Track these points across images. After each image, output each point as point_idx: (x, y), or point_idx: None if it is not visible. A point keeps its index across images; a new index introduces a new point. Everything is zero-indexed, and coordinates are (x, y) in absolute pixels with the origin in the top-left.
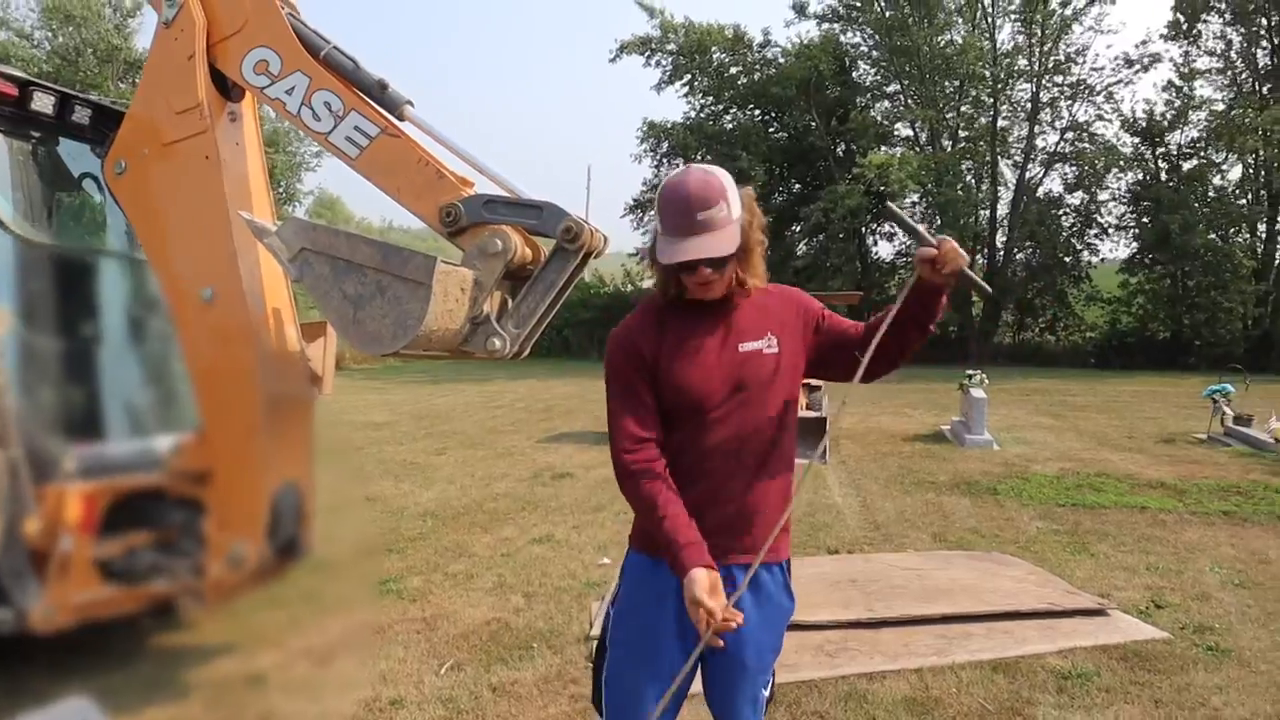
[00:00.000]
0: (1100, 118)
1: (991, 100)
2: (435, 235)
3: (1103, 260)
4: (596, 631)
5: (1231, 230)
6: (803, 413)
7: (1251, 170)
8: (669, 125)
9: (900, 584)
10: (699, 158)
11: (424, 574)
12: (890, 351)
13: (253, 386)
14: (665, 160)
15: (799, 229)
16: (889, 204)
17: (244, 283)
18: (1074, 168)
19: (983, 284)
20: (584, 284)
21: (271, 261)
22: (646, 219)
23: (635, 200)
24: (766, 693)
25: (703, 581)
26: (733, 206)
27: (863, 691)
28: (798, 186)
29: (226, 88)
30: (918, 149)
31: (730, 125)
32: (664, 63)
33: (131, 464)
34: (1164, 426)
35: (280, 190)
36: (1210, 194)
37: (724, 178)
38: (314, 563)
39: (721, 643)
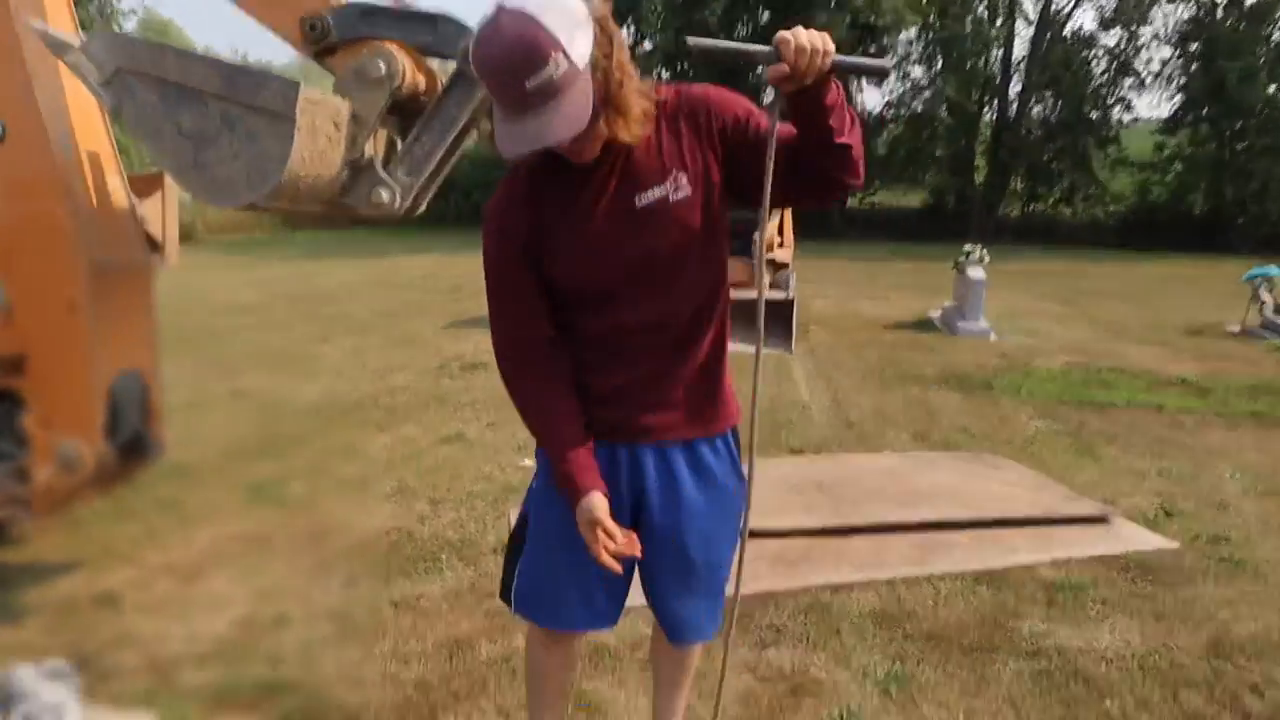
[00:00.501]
0: None
1: None
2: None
3: (1136, 120)
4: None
5: None
6: (769, 293)
7: None
8: None
9: (874, 488)
10: None
11: (309, 479)
12: (804, 177)
13: (67, 250)
14: None
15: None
16: (691, 40)
17: (43, 115)
18: None
19: (868, 63)
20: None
21: (82, 91)
22: None
23: None
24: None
25: (601, 504)
26: (573, 52)
27: (826, 604)
28: (767, 16)
29: None
30: None
31: None
32: None
33: None
34: (1193, 316)
35: (91, 8)
36: (1277, 37)
37: (547, 14)
38: (171, 467)
39: (619, 567)
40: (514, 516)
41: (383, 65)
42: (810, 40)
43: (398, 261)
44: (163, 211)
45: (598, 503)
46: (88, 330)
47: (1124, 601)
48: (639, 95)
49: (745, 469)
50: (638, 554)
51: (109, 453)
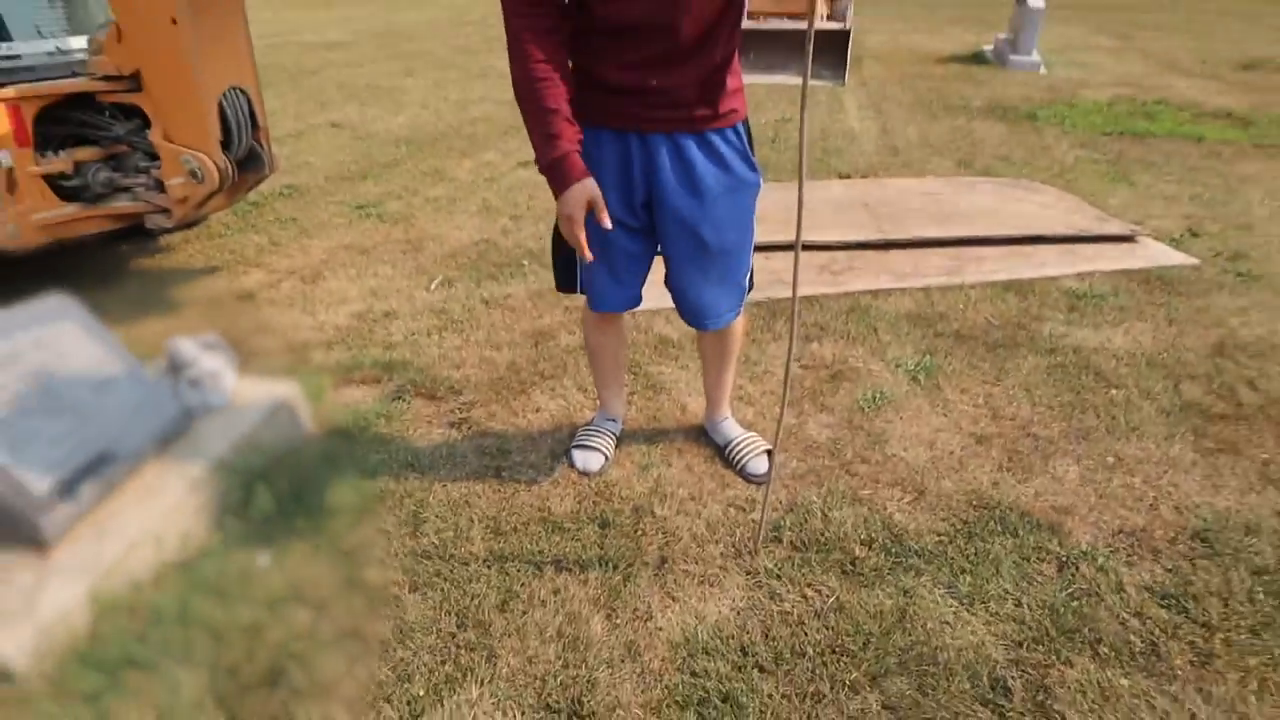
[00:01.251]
0: None
1: None
2: None
3: None
4: None
5: None
6: (822, 24)
7: None
8: None
9: (915, 207)
10: None
11: (403, 199)
12: None
13: None
14: None
15: None
16: None
17: None
18: None
19: None
20: None
21: None
22: None
23: None
24: (745, 284)
25: (579, 198)
26: None
27: (866, 306)
28: None
29: None
30: None
31: None
32: None
33: (47, 67)
34: (1246, 50)
35: None
36: None
37: None
38: (284, 187)
39: (590, 256)
40: None
41: None
42: None
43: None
44: None
45: (576, 196)
46: (190, 44)
47: (1140, 309)
48: None
49: (759, 168)
50: (608, 225)
51: (228, 164)
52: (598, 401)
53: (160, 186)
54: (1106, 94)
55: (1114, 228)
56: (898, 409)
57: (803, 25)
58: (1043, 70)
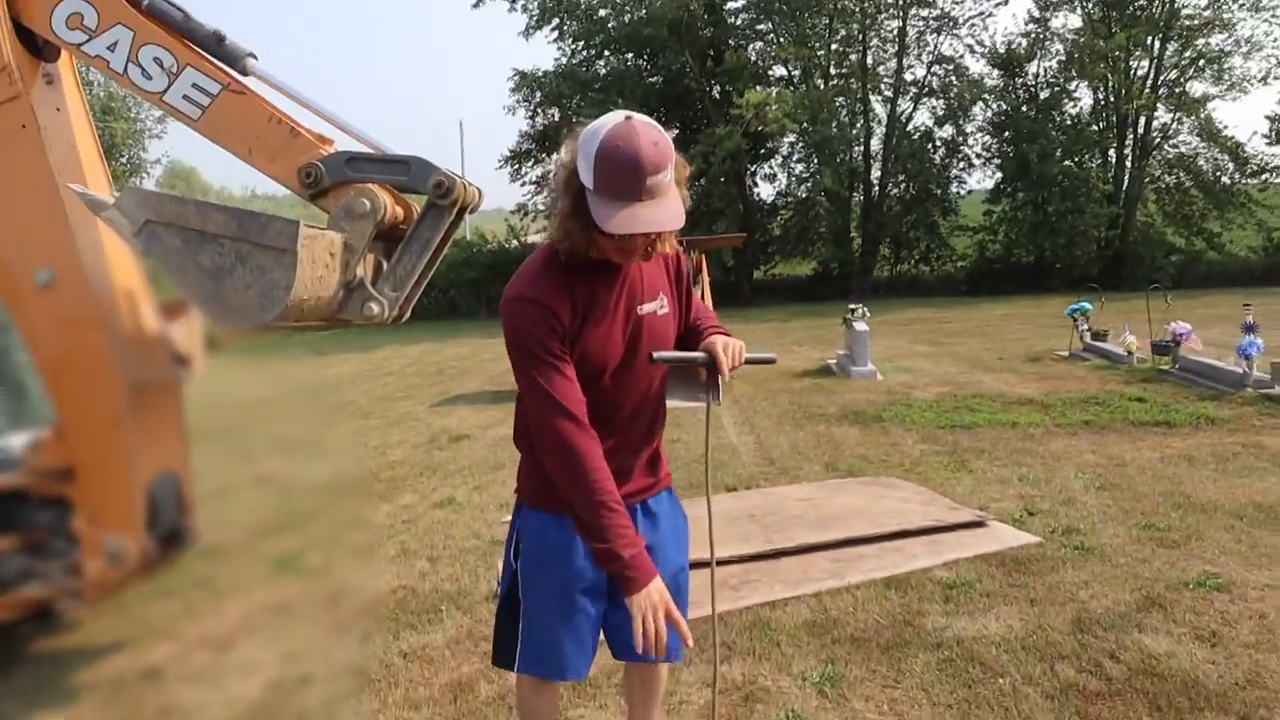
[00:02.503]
0: (970, 49)
1: (860, 35)
2: (302, 201)
3: (970, 192)
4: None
5: (1086, 156)
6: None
7: (1102, 97)
8: (540, 74)
9: (796, 514)
10: (574, 104)
11: (323, 548)
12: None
13: (109, 374)
14: (539, 110)
15: None
16: (656, 355)
17: (85, 262)
18: (942, 101)
19: (764, 355)
20: (466, 242)
21: (117, 238)
22: (524, 170)
23: (511, 151)
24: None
25: (663, 593)
26: (673, 164)
27: (766, 619)
28: (677, 130)
29: (38, 47)
30: (792, 88)
31: (604, 71)
32: (530, 6)
33: None
34: (1030, 346)
35: (123, 161)
36: (1066, 122)
37: (668, 136)
38: (205, 548)
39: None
40: (500, 567)
41: (367, 203)
42: (733, 352)
43: (390, 352)
44: (189, 331)
45: (660, 589)
46: (129, 440)
47: (1004, 592)
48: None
49: (685, 509)
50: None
51: (151, 545)
52: None
53: (74, 571)
54: (933, 393)
55: (966, 515)
56: None
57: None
58: (879, 377)
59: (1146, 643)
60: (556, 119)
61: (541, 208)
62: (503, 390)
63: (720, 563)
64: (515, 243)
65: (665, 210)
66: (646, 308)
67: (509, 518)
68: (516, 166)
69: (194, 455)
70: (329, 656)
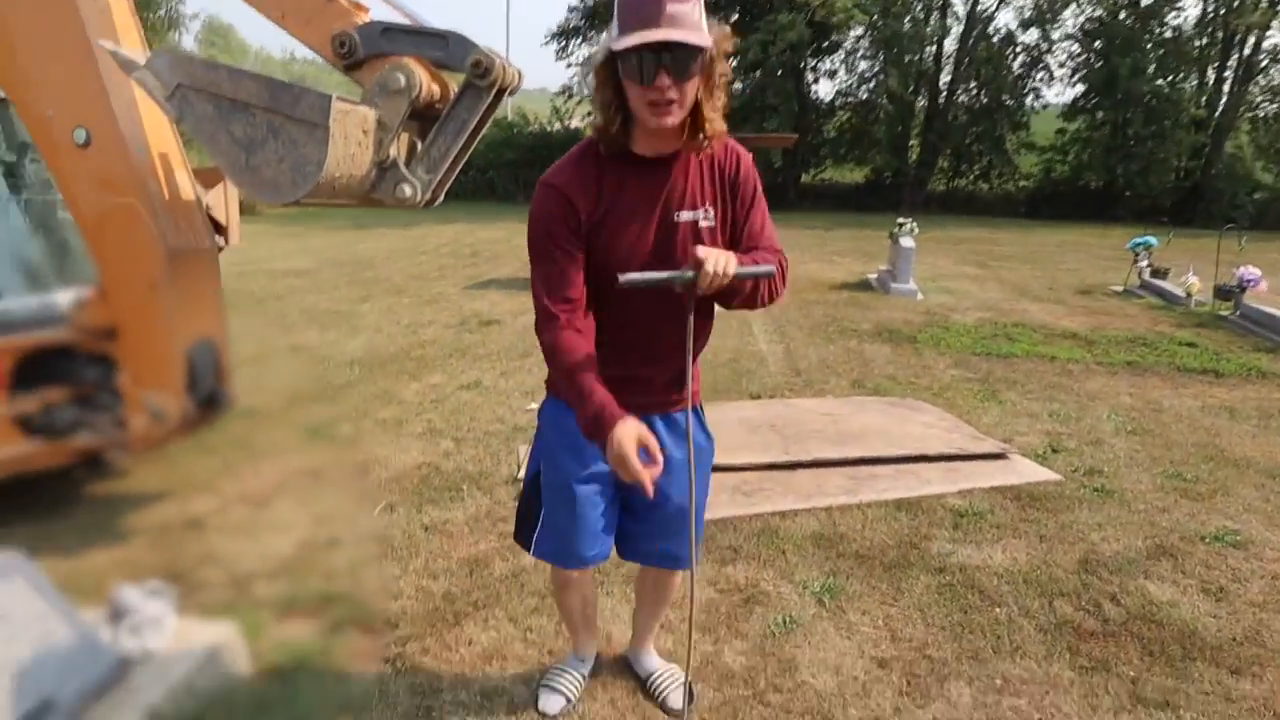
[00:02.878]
0: None
1: None
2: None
3: (1045, 106)
4: (522, 474)
5: (1181, 76)
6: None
7: (1211, 9)
8: None
9: (817, 428)
10: None
11: (354, 421)
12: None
13: (147, 238)
14: None
15: (734, 64)
16: (622, 277)
17: (120, 124)
18: (1030, 1)
19: (760, 269)
20: (507, 122)
21: (152, 103)
22: (571, 48)
23: (559, 27)
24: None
25: (628, 441)
26: (703, 16)
27: (775, 528)
28: (736, 16)
29: None
30: None
31: None
32: None
33: (32, 321)
34: (1083, 278)
35: (161, 14)
36: (1166, 35)
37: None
38: (243, 411)
39: (651, 491)
40: (523, 454)
41: (402, 78)
42: (716, 265)
43: (426, 231)
44: (225, 199)
45: (631, 427)
46: (166, 305)
47: (1014, 525)
48: (719, 109)
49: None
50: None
51: (190, 407)
52: (570, 643)
53: (122, 425)
54: (973, 318)
55: (988, 446)
56: (806, 633)
57: None
58: (919, 296)
59: (1150, 589)
60: None
61: (587, 90)
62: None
63: (737, 469)
64: (558, 125)
65: (680, 31)
66: (685, 215)
67: (533, 405)
68: (563, 44)
69: (232, 322)
70: (356, 522)
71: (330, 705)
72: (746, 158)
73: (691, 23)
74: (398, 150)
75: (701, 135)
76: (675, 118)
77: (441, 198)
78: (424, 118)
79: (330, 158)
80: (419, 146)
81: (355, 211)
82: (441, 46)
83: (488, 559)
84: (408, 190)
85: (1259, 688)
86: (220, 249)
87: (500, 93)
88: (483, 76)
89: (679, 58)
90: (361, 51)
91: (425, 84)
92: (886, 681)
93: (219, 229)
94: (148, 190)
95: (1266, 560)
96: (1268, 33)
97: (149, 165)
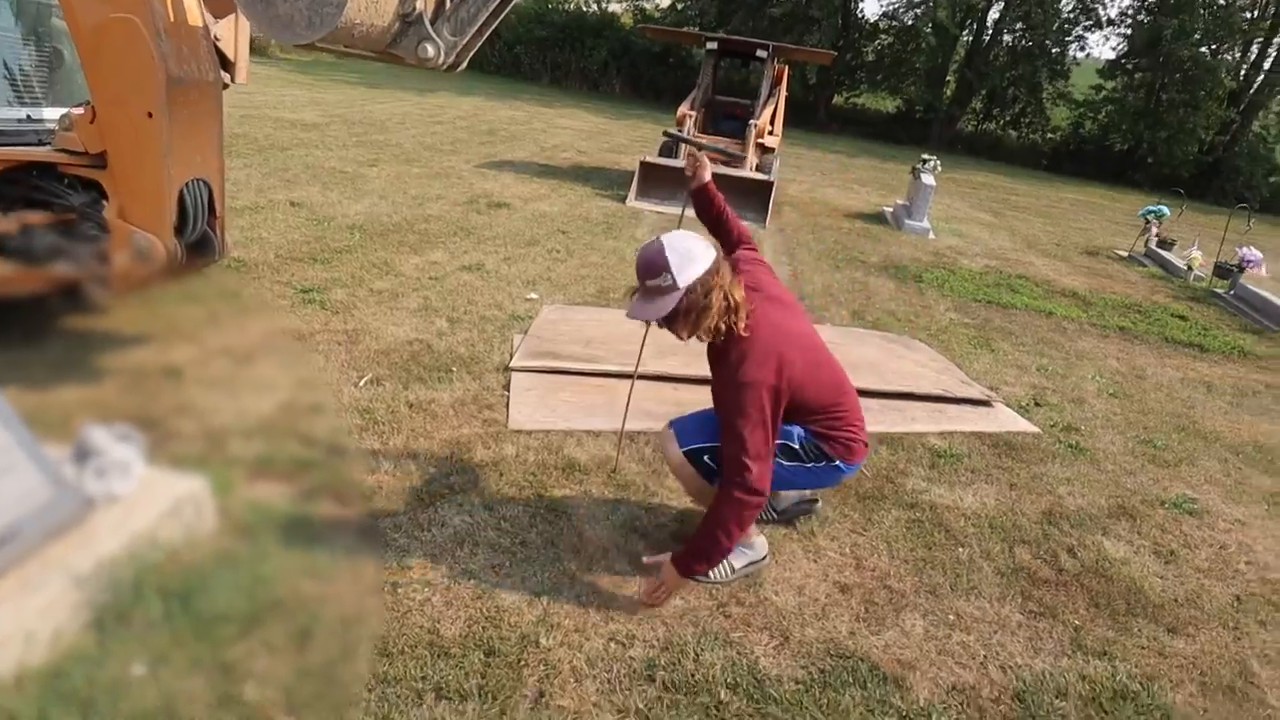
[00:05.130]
0: None
1: None
2: None
3: (1087, 55)
4: (516, 362)
5: (1225, 46)
6: (750, 173)
7: None
8: None
9: None
10: None
11: (348, 287)
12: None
13: (146, 61)
14: None
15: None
16: (667, 131)
17: None
18: None
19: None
20: None
21: None
22: None
23: None
24: None
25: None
26: (679, 277)
27: None
28: None
29: None
30: None
31: None
32: None
33: (14, 135)
34: (1091, 238)
35: None
36: (1220, 1)
37: (673, 252)
38: (233, 262)
39: None
40: (517, 342)
41: None
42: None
43: (444, 100)
44: (235, 32)
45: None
46: (162, 137)
47: (989, 472)
48: (700, 325)
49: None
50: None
51: (178, 248)
52: None
53: (105, 259)
54: (980, 264)
55: (975, 392)
56: (775, 552)
57: (727, 170)
58: (931, 236)
59: (1106, 546)
60: None
61: None
62: (550, 165)
63: None
64: (594, 7)
65: (647, 307)
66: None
67: (533, 295)
68: None
69: (231, 168)
70: (340, 390)
71: (295, 571)
72: (752, 375)
73: (661, 291)
74: (424, 5)
75: (720, 335)
76: (680, 338)
77: (465, 64)
78: None
79: (351, 2)
80: (447, 5)
81: (370, 68)
82: None
83: (469, 443)
84: (430, 50)
85: (1191, 647)
86: (225, 86)
87: None
88: None
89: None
90: None
91: None
92: (845, 606)
93: (226, 64)
94: (151, 7)
95: (1218, 530)
96: None
97: None
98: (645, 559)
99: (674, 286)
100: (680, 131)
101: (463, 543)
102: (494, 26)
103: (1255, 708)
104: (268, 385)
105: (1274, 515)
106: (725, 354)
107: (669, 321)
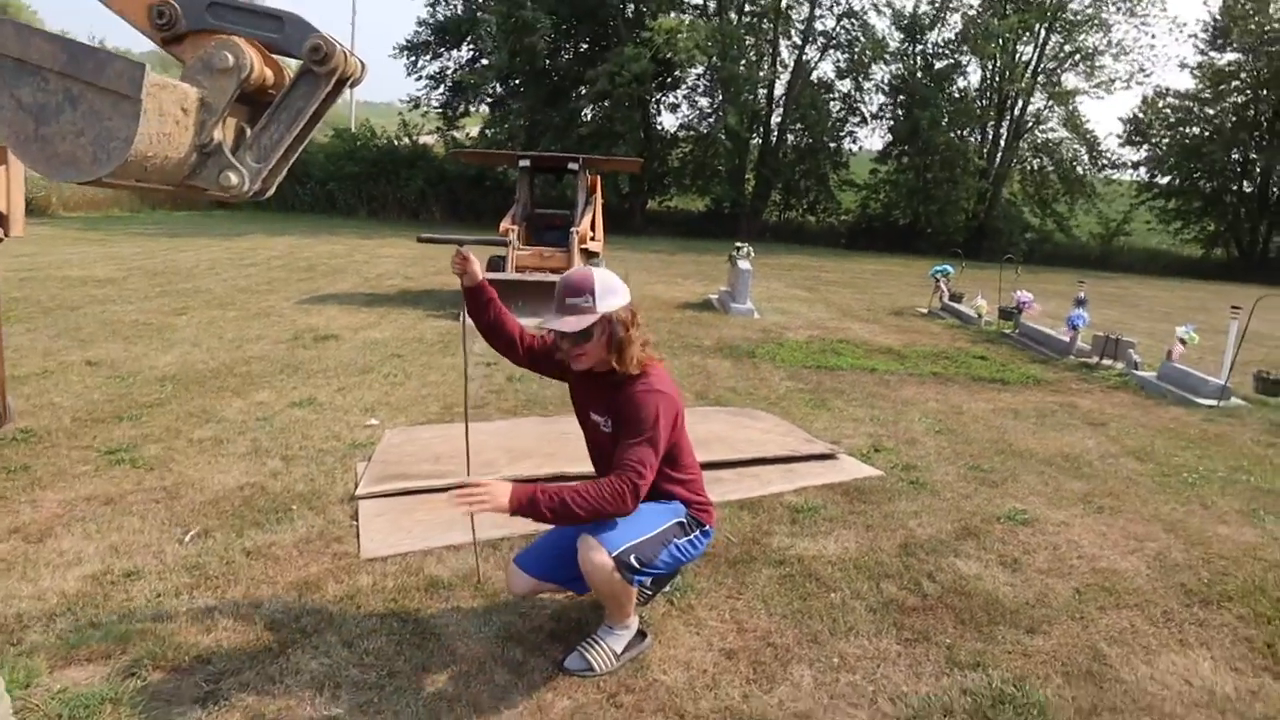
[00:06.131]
0: (876, 8)
1: None
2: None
3: (861, 148)
4: (362, 491)
5: (967, 130)
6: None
7: (989, 75)
8: None
9: None
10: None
11: (163, 441)
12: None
13: None
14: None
15: (585, 93)
16: (421, 236)
17: None
18: (846, 55)
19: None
20: (351, 134)
21: None
22: (420, 63)
23: (408, 41)
24: None
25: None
26: (600, 303)
27: None
28: (585, 46)
29: None
30: (705, 18)
31: None
32: None
33: None
34: (896, 301)
35: None
36: (955, 95)
37: (598, 281)
38: (19, 433)
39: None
40: (361, 470)
41: (230, 56)
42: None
43: (255, 242)
44: (7, 183)
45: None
46: None
47: (845, 518)
48: (624, 355)
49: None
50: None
51: None
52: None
53: None
54: (804, 335)
55: (819, 448)
56: (656, 632)
57: (556, 278)
58: (756, 315)
59: (960, 566)
60: (459, 11)
61: (435, 104)
62: (377, 293)
63: (585, 478)
64: (405, 140)
65: (566, 323)
66: (596, 416)
67: (373, 420)
68: (413, 58)
69: (10, 335)
70: (161, 551)
71: None
72: (649, 403)
73: (579, 310)
74: (223, 135)
75: (616, 371)
76: (582, 365)
77: (272, 189)
78: (254, 103)
79: (141, 134)
80: (248, 133)
81: (170, 220)
82: (277, 28)
83: (319, 581)
84: (234, 178)
85: (1049, 643)
86: None
87: (341, 82)
88: (322, 63)
89: (569, 336)
90: (184, 24)
91: (256, 66)
92: (734, 671)
93: None
94: None
95: (1048, 534)
96: (1031, 98)
97: None
98: None
99: (592, 309)
100: (444, 234)
101: (322, 687)
102: (300, 150)
103: (1113, 685)
104: (71, 560)
105: (1090, 513)
106: (629, 382)
107: (579, 339)
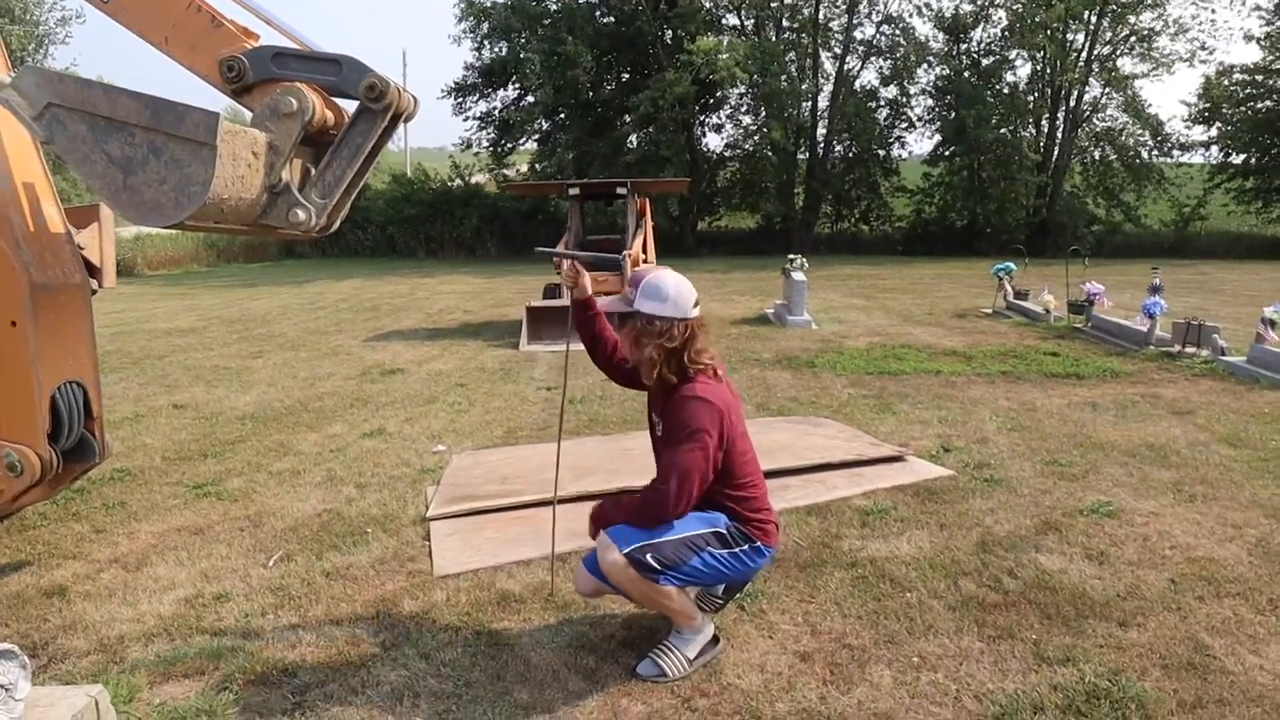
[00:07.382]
0: (918, 10)
1: None
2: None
3: (910, 154)
4: (433, 512)
5: (1019, 125)
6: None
7: (1040, 68)
8: (489, 4)
9: None
10: (523, 40)
11: (245, 475)
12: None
13: (7, 270)
14: (487, 42)
15: (629, 120)
16: (539, 249)
17: None
18: (888, 61)
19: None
20: (407, 179)
21: (16, 128)
22: (467, 104)
23: (456, 84)
24: None
25: None
26: (638, 299)
27: None
28: (626, 75)
29: None
30: (744, 37)
31: (554, 6)
32: None
33: None
34: (958, 303)
35: (27, 29)
36: (1004, 91)
37: (650, 281)
38: (116, 472)
39: None
40: (431, 494)
41: (294, 101)
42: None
43: (323, 287)
44: (99, 238)
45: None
46: (28, 344)
47: (917, 518)
48: (640, 355)
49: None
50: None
51: (53, 456)
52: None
53: None
54: (864, 342)
55: (887, 450)
56: (729, 636)
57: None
58: (814, 326)
59: (1042, 561)
60: (504, 53)
61: (485, 143)
62: (439, 328)
63: None
64: (458, 182)
65: (612, 303)
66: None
67: (440, 447)
68: (460, 100)
69: (106, 383)
70: (248, 575)
71: None
72: (694, 411)
73: (625, 300)
74: (290, 175)
75: (668, 380)
76: (647, 371)
77: (337, 224)
78: (317, 144)
79: (218, 178)
80: (312, 172)
81: (244, 272)
82: (335, 71)
83: (395, 598)
84: (301, 214)
85: (1144, 635)
86: (94, 291)
87: (396, 118)
88: (377, 100)
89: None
90: (251, 76)
91: (318, 108)
92: (810, 673)
93: (92, 270)
94: (9, 220)
95: (1136, 525)
96: (1086, 86)
97: (11, 194)
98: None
99: (630, 301)
100: (555, 246)
101: (402, 697)
102: (361, 184)
103: (1218, 677)
104: (166, 585)
105: (1180, 501)
106: (676, 388)
107: (625, 317)
